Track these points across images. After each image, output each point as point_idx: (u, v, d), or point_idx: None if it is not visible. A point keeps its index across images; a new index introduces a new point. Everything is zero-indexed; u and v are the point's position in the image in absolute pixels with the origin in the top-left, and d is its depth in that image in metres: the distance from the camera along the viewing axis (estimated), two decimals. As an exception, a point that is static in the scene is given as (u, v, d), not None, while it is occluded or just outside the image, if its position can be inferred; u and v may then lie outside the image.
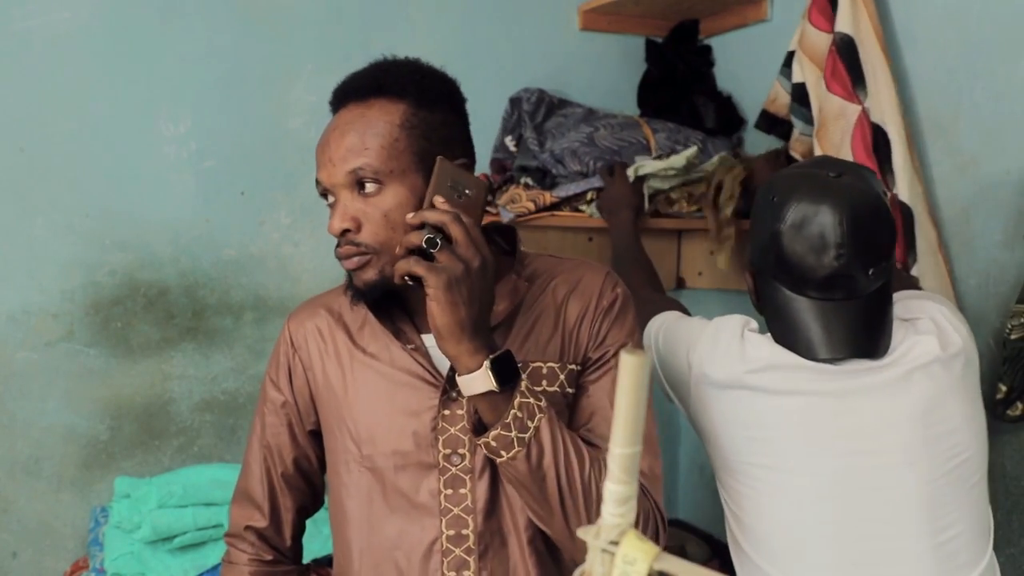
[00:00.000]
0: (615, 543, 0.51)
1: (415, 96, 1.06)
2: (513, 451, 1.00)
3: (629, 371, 0.50)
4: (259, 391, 1.26)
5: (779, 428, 1.27)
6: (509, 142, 2.08)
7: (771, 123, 1.98)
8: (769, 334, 1.32)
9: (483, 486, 1.10)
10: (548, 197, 1.91)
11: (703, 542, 2.09)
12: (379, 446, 1.12)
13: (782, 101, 1.93)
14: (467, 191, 1.03)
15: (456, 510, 1.10)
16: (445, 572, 1.10)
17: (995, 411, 1.54)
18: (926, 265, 1.67)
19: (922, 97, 1.76)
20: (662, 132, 2.04)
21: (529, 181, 1.97)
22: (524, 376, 1.02)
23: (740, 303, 1.90)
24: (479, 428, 1.03)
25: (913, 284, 1.59)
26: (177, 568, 1.69)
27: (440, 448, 1.10)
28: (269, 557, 1.23)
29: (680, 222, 2.05)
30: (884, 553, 1.23)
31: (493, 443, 1.00)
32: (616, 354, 1.12)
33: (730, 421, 1.30)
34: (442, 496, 1.10)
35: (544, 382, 1.10)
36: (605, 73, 2.29)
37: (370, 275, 1.05)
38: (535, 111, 2.04)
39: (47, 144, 1.80)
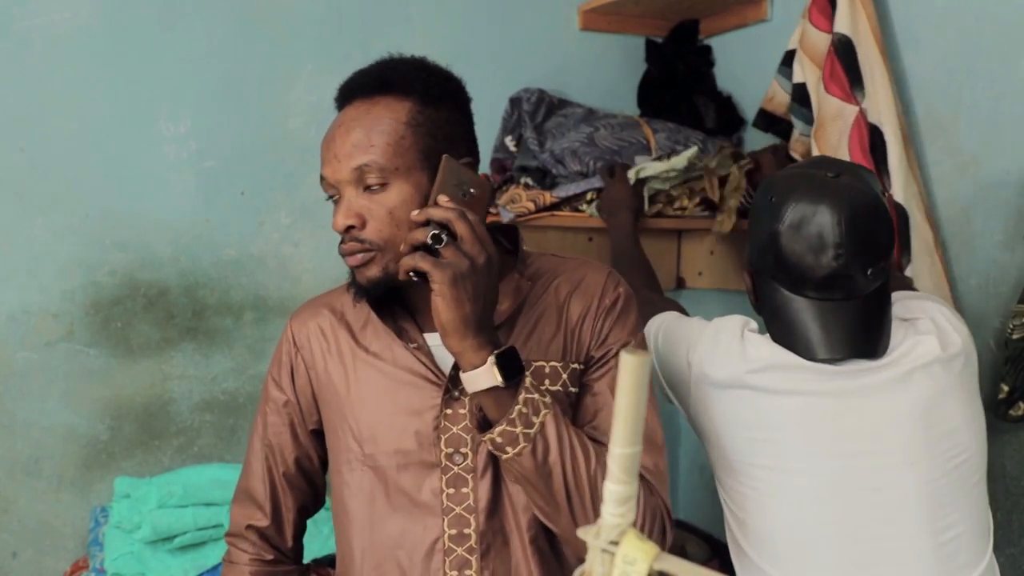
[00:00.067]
0: (615, 543, 0.51)
1: (421, 94, 1.06)
2: (519, 447, 1.00)
3: (629, 371, 0.50)
4: (260, 391, 1.26)
5: (780, 429, 1.27)
6: (509, 142, 2.08)
7: (769, 121, 1.98)
8: (768, 334, 1.32)
9: (485, 485, 1.10)
10: (548, 197, 1.91)
11: (703, 542, 2.09)
12: (381, 445, 1.12)
13: (780, 100, 1.93)
14: (471, 190, 1.04)
15: (458, 509, 1.10)
16: (447, 571, 1.10)
17: (997, 411, 1.54)
18: (922, 265, 1.67)
19: (921, 97, 1.76)
20: (662, 132, 2.04)
21: (529, 181, 1.97)
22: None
23: (740, 303, 1.91)
24: (483, 425, 1.03)
25: (907, 285, 1.59)
26: (177, 568, 1.69)
27: (442, 447, 1.10)
28: (270, 557, 1.22)
29: (680, 222, 2.05)
30: (884, 553, 1.23)
31: (499, 439, 1.00)
32: (619, 352, 1.12)
33: (732, 421, 1.30)
34: (444, 495, 1.10)
35: (547, 381, 1.10)
36: (605, 73, 2.29)
37: (374, 272, 1.05)
38: (535, 111, 2.04)
39: (47, 144, 1.80)
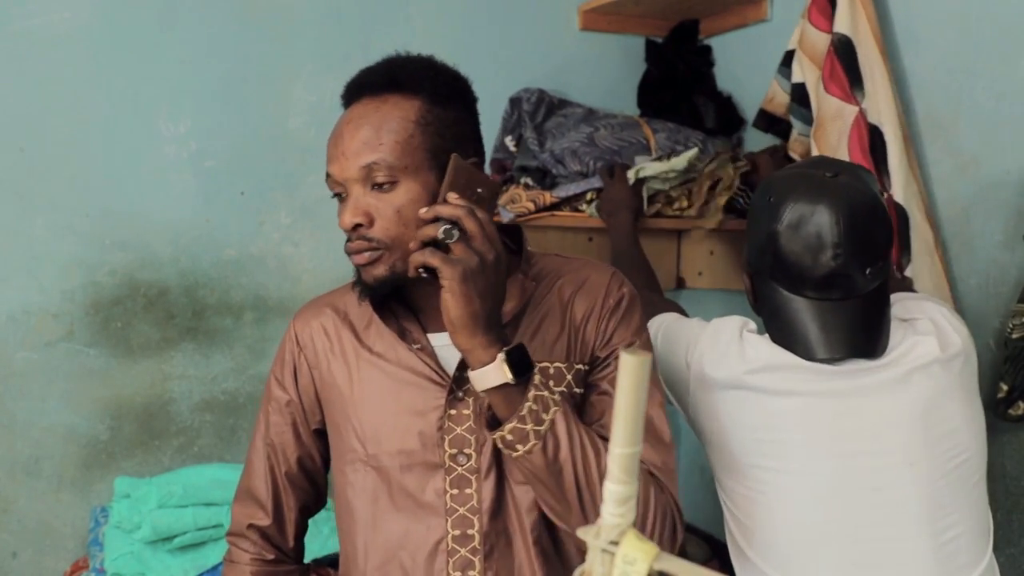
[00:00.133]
0: (615, 543, 0.51)
1: (430, 93, 1.06)
2: (529, 444, 0.99)
3: (629, 371, 0.50)
4: (260, 391, 1.26)
5: (782, 430, 1.27)
6: (509, 142, 2.08)
7: (769, 122, 1.98)
8: (767, 335, 1.32)
9: (489, 486, 1.10)
10: (548, 197, 1.91)
11: (703, 542, 2.09)
12: (385, 445, 1.12)
13: (780, 100, 1.93)
14: (479, 189, 1.03)
15: (462, 510, 1.10)
16: (450, 572, 1.10)
17: (997, 410, 1.54)
18: (922, 265, 1.67)
19: (922, 97, 1.76)
20: (662, 132, 2.04)
21: (529, 181, 1.97)
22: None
23: (740, 303, 1.90)
24: (492, 424, 1.02)
25: (907, 286, 1.59)
26: (177, 568, 1.69)
27: (446, 448, 1.10)
28: (271, 556, 1.22)
29: (680, 222, 2.05)
30: (884, 554, 1.23)
31: (509, 436, 1.00)
32: None
33: (735, 423, 1.30)
34: (448, 496, 1.10)
35: (551, 382, 1.09)
36: (605, 73, 2.29)
37: (380, 271, 1.05)
38: (535, 111, 2.04)
39: (47, 144, 1.80)
